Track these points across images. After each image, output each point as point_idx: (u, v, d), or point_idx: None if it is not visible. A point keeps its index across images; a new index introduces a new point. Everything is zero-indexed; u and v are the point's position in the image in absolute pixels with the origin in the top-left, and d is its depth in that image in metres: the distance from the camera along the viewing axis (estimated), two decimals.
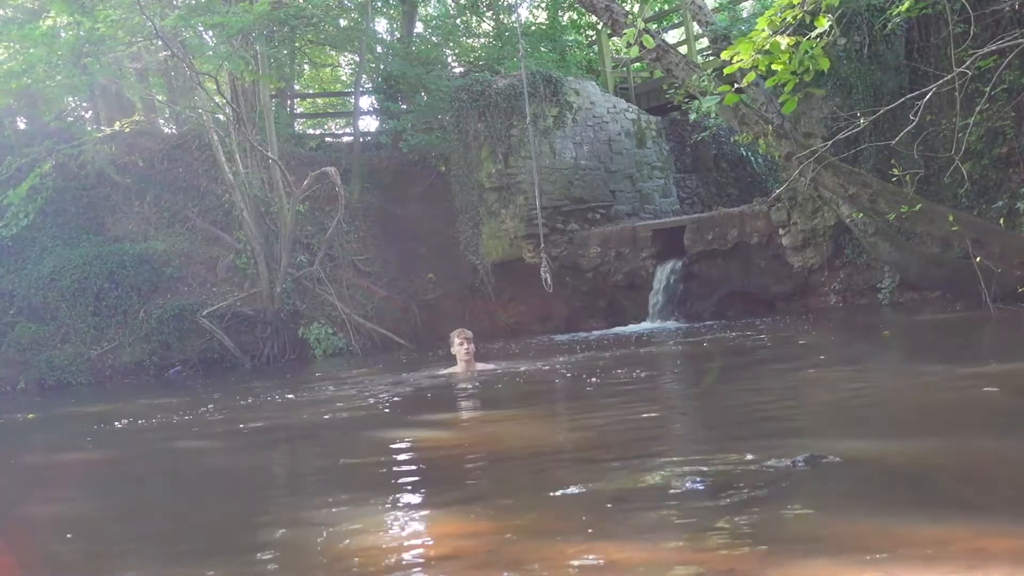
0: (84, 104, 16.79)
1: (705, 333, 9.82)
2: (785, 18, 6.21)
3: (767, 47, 6.16)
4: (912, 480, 3.05)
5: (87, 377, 12.46)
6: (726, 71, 6.43)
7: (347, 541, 3.01)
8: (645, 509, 3.00)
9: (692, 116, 14.20)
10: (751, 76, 6.59)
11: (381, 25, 20.27)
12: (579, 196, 13.52)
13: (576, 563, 2.53)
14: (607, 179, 14.02)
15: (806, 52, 6.35)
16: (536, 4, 20.90)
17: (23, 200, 12.89)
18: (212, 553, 3.08)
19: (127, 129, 13.63)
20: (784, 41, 6.12)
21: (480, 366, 7.98)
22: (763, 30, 6.16)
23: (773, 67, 6.34)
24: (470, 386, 7.44)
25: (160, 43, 12.06)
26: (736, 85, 6.83)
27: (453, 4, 20.46)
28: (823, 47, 6.46)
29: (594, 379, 6.98)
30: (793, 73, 6.51)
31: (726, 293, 11.76)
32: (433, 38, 19.34)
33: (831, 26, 6.30)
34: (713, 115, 12.40)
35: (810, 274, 10.79)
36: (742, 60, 6.20)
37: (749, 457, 3.46)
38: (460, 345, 7.85)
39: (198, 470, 5.06)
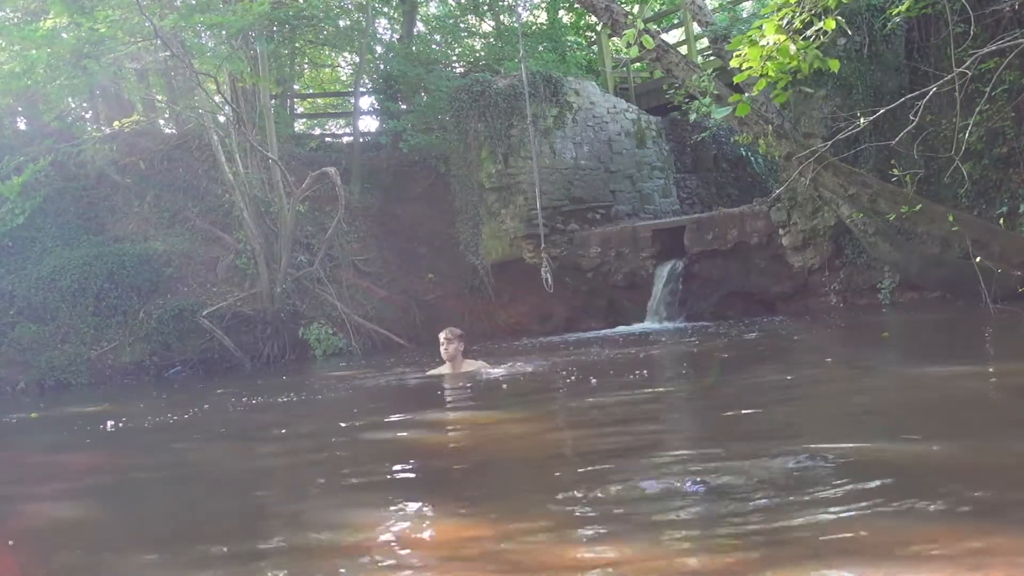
0: (84, 104, 16.76)
1: (705, 333, 9.82)
2: (793, 21, 6.18)
3: (775, 53, 6.12)
4: (913, 480, 3.05)
5: (87, 377, 12.44)
6: (735, 79, 6.40)
7: (346, 542, 3.01)
8: (645, 509, 3.01)
9: (692, 116, 14.15)
10: (762, 84, 6.55)
11: (381, 25, 20.27)
12: (579, 196, 13.52)
13: (576, 564, 2.53)
14: (607, 179, 14.01)
15: (812, 53, 6.32)
16: (536, 4, 20.89)
17: (19, 197, 12.85)
18: (211, 553, 3.08)
19: (127, 129, 13.62)
20: (794, 46, 6.09)
21: (468, 364, 7.95)
22: (767, 34, 6.13)
23: (768, 70, 6.30)
24: (459, 386, 7.41)
25: (160, 43, 12.04)
26: (746, 95, 6.80)
27: (454, 4, 20.45)
28: (822, 47, 6.44)
29: (594, 379, 6.98)
30: (787, 72, 6.49)
31: (726, 293, 11.75)
32: (435, 37, 19.32)
33: (831, 25, 6.27)
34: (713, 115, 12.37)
35: (810, 274, 10.78)
36: (751, 68, 6.17)
37: (749, 457, 3.46)
38: (441, 344, 7.84)
39: (197, 470, 5.06)
